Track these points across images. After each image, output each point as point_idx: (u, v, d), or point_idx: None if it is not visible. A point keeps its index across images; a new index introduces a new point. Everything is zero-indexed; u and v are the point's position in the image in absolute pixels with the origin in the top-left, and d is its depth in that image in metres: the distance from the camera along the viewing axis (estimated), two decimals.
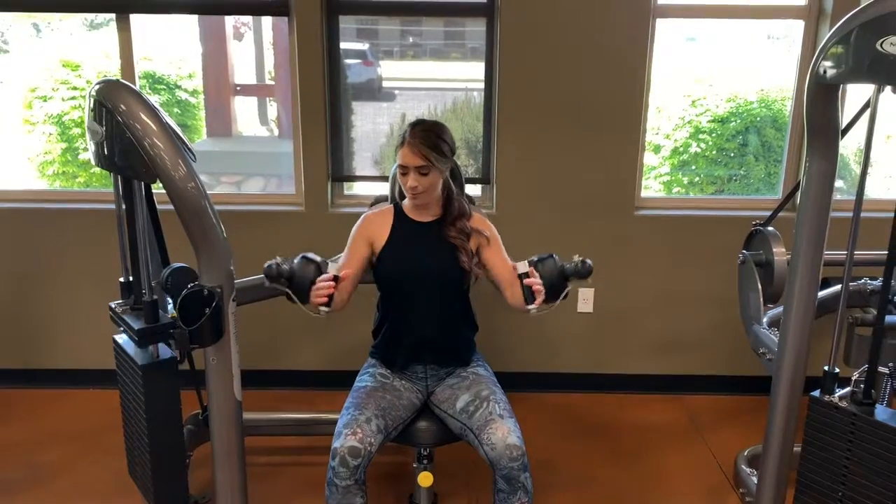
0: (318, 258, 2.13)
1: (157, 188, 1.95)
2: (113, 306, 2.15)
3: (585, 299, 3.46)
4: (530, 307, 2.00)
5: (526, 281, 2.01)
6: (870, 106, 1.87)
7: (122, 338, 2.12)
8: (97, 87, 1.90)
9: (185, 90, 5.01)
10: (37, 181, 4.41)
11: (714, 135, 4.13)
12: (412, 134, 2.13)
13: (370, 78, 3.92)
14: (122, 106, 1.82)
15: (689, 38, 4.50)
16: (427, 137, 2.12)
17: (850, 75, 1.83)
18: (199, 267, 1.91)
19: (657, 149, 4.27)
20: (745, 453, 2.76)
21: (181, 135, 1.93)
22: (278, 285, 2.09)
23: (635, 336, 3.53)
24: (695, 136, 4.17)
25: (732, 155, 4.11)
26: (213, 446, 2.05)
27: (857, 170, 4.15)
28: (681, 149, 4.21)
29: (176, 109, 4.88)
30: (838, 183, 4.22)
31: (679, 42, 4.36)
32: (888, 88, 1.80)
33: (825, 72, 1.91)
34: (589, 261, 2.09)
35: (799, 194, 2.18)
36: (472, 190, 3.47)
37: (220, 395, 1.98)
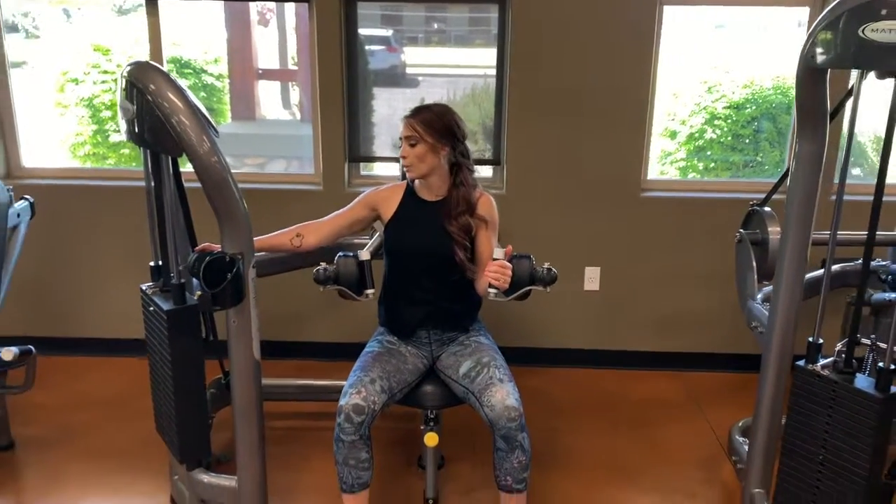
0: (351, 252, 2.36)
1: (185, 169, 2.10)
2: (143, 288, 2.32)
3: (591, 278, 3.58)
4: (489, 290, 2.14)
5: (486, 270, 2.11)
6: (853, 91, 1.96)
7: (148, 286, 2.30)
8: (128, 68, 2.05)
9: (212, 74, 5.15)
10: (70, 162, 4.59)
11: (729, 121, 4.20)
12: (411, 111, 2.31)
13: (393, 64, 4.00)
14: (152, 85, 1.96)
15: (718, 26, 4.55)
16: (420, 113, 2.30)
17: (836, 60, 1.92)
18: (222, 236, 2.06)
19: (673, 134, 4.35)
20: (739, 424, 2.87)
21: (206, 113, 2.08)
22: (329, 286, 2.32)
23: (639, 314, 3.65)
24: (710, 122, 4.24)
25: (748, 141, 4.18)
26: (233, 404, 2.21)
27: (875, 158, 4.19)
28: (696, 134, 4.29)
29: (202, 93, 5.03)
30: (855, 170, 4.28)
31: (708, 29, 4.43)
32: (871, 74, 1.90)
33: (814, 56, 2.00)
34: (555, 270, 2.23)
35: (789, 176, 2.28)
36: (484, 171, 3.59)
37: (241, 354, 2.14)
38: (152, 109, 1.96)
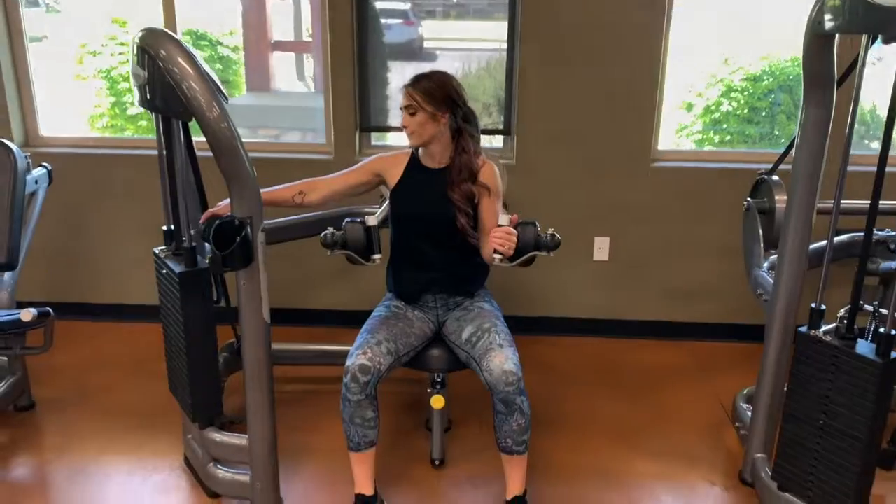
0: (358, 218, 2.39)
1: (197, 137, 2.14)
2: (157, 252, 2.38)
3: (601, 248, 3.60)
4: (494, 256, 2.17)
5: (491, 235, 2.15)
6: (860, 58, 1.96)
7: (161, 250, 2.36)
8: (140, 34, 2.08)
9: (227, 46, 5.18)
10: (88, 132, 4.65)
11: (746, 93, 4.16)
12: (410, 79, 2.34)
13: (411, 38, 3.99)
14: (163, 51, 1.99)
15: None
16: (419, 81, 2.32)
17: (844, 26, 1.92)
18: (231, 200, 2.10)
19: (689, 106, 4.32)
20: (744, 392, 2.90)
21: (216, 79, 2.11)
22: (336, 251, 2.35)
23: (648, 284, 3.67)
24: (727, 94, 4.21)
25: (764, 113, 4.15)
26: (244, 365, 2.26)
27: None
28: (713, 107, 4.26)
29: (218, 65, 5.06)
30: (874, 144, 4.23)
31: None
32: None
33: (821, 22, 2.00)
34: (558, 236, 2.24)
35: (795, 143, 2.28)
36: (494, 141, 3.60)
37: (250, 315, 2.18)
38: (163, 75, 1.99)
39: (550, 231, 2.23)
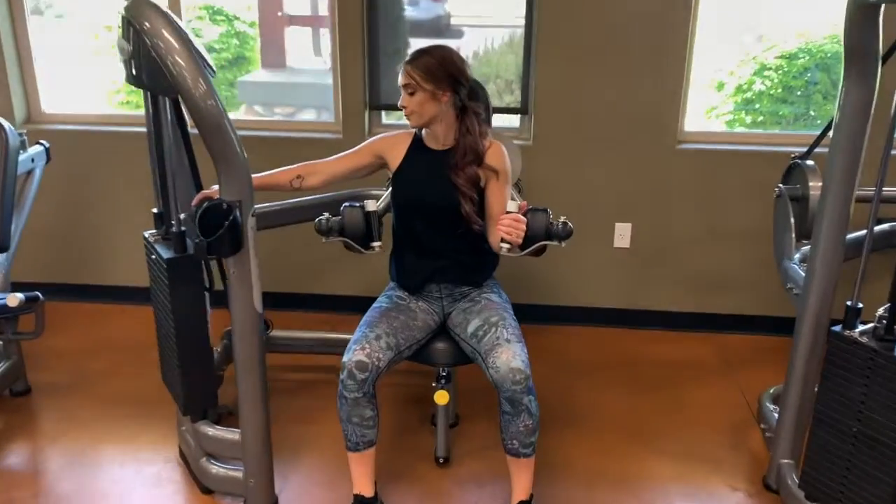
0: (357, 203, 2.23)
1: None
2: (146, 236, 2.25)
3: (622, 234, 3.42)
4: (502, 245, 2.01)
5: (498, 223, 1.99)
6: None
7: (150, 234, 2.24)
8: (125, 4, 1.95)
9: (244, 21, 5.05)
10: (95, 108, 4.56)
11: (781, 72, 3.94)
12: (409, 56, 2.16)
13: (437, 14, 3.87)
14: (147, 23, 1.86)
15: None
16: (417, 58, 2.14)
17: None
18: (219, 182, 1.97)
19: (720, 86, 4.11)
20: (771, 391, 2.73)
21: (203, 52, 1.97)
22: (332, 238, 2.20)
23: (672, 273, 3.49)
24: (760, 72, 3.99)
25: (799, 93, 3.93)
26: (234, 356, 2.15)
27: None
28: (745, 86, 4.04)
29: (234, 41, 4.93)
30: None
31: None
32: None
33: None
34: (570, 224, 2.06)
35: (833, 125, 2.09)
36: (511, 121, 3.43)
37: (241, 305, 2.06)
38: (149, 49, 1.86)
39: (563, 219, 2.07)
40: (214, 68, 1.97)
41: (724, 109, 4.11)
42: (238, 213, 1.95)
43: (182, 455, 2.53)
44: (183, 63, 1.84)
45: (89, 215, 3.64)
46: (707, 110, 4.02)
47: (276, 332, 2.95)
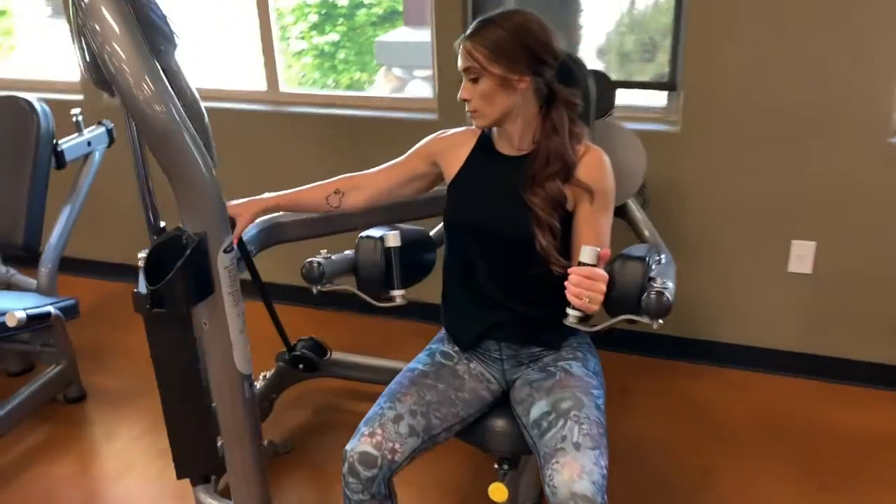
0: (376, 234, 1.67)
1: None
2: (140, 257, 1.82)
3: (801, 255, 2.55)
4: (568, 312, 1.41)
5: (568, 280, 1.37)
6: None
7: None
8: None
9: None
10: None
11: None
12: (470, 28, 1.53)
13: None
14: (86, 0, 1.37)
15: None
16: (481, 31, 1.52)
17: None
18: (179, 209, 1.47)
19: None
20: None
21: (171, 34, 1.47)
22: (329, 288, 1.69)
23: (867, 311, 2.57)
24: None
25: None
26: (220, 424, 1.68)
27: None
28: None
29: None
30: None
31: None
32: None
33: None
34: (668, 294, 1.38)
35: None
36: (654, 98, 2.65)
37: (219, 366, 1.59)
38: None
39: (658, 285, 1.36)
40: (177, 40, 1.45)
41: None
42: (201, 249, 1.44)
43: None
44: (124, 55, 1.35)
45: None
46: None
47: (336, 356, 2.47)
